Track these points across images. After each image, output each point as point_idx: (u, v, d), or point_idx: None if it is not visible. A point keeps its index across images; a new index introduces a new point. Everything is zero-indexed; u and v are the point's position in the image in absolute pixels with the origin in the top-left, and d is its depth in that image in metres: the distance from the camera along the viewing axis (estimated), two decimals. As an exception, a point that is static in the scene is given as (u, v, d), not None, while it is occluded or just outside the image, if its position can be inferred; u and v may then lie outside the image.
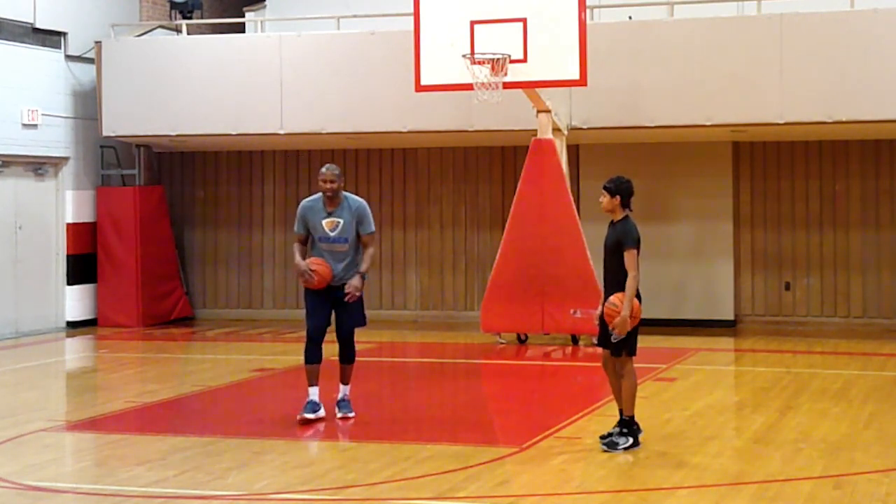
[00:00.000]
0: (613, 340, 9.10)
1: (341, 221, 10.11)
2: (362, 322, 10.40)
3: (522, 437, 9.67)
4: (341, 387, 10.46)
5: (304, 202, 10.35)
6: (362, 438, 9.77)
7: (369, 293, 19.19)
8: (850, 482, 8.13)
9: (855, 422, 10.29)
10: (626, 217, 9.18)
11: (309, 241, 10.25)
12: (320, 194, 10.18)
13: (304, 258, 10.20)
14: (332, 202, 10.12)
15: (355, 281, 10.10)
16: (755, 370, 14.12)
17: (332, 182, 10.07)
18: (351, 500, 7.93)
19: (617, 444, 9.09)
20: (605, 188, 9.20)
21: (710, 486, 8.06)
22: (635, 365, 9.32)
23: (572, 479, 8.42)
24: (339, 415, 10.34)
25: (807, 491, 7.87)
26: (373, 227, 10.29)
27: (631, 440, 9.13)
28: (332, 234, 10.10)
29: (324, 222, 10.11)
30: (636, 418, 9.25)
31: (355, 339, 10.39)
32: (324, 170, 10.14)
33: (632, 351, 9.19)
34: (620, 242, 9.06)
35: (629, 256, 9.01)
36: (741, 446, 9.42)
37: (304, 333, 10.31)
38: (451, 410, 11.66)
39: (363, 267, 10.21)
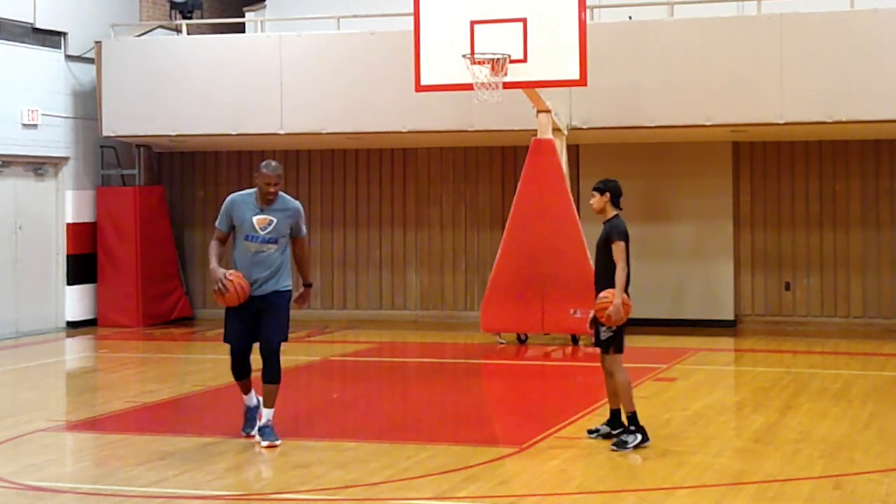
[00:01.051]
0: (603, 336, 9.22)
1: (275, 220, 9.28)
2: (286, 336, 9.51)
3: (522, 437, 9.66)
4: (264, 411, 9.44)
5: (234, 195, 9.46)
6: (362, 438, 9.77)
7: (369, 293, 19.27)
8: (850, 482, 8.13)
9: (855, 422, 10.29)
10: (617, 215, 9.34)
11: (229, 242, 9.41)
12: (254, 190, 9.38)
13: (220, 261, 9.32)
14: (268, 201, 9.31)
15: (306, 296, 9.66)
16: (755, 370, 14.12)
17: (276, 185, 9.25)
18: (351, 500, 7.93)
19: (626, 442, 9.13)
20: (595, 189, 9.42)
21: (710, 486, 8.06)
22: (626, 365, 9.40)
23: (572, 479, 8.42)
24: (263, 443, 9.31)
25: (807, 491, 7.87)
26: (306, 230, 9.63)
27: (640, 437, 9.18)
28: (262, 233, 9.24)
29: (255, 219, 9.25)
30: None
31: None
32: (267, 170, 9.25)
33: (619, 348, 9.29)
34: (609, 236, 9.21)
35: (617, 249, 9.17)
36: (741, 446, 9.42)
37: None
38: (451, 410, 11.66)
39: (310, 277, 9.73)
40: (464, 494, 7.87)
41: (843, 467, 8.59)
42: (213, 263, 9.25)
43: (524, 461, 8.95)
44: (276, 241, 9.32)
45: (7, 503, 7.84)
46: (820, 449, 9.16)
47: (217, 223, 9.45)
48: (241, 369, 9.60)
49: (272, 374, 9.44)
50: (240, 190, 9.72)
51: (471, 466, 8.59)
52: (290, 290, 9.52)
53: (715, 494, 7.85)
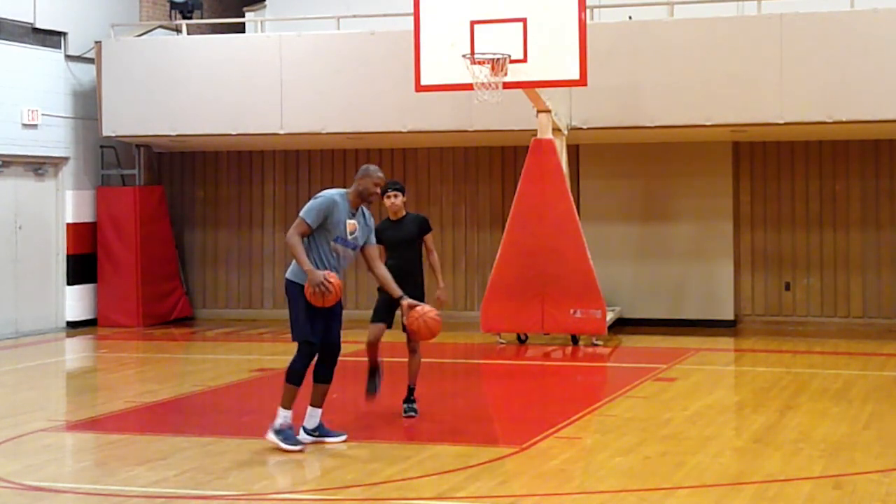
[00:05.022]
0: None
1: (359, 227, 9.34)
2: None
3: (522, 437, 9.66)
4: (318, 412, 9.61)
5: (332, 194, 9.23)
6: (362, 438, 9.76)
7: (369, 293, 19.22)
8: (850, 482, 8.13)
9: (855, 422, 10.29)
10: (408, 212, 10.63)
11: (308, 241, 9.14)
12: (344, 191, 9.32)
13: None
14: (357, 206, 9.34)
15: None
16: (755, 370, 14.12)
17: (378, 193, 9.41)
18: (351, 500, 7.93)
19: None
20: (398, 189, 10.55)
21: (710, 486, 8.06)
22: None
23: (572, 479, 8.42)
24: (337, 440, 9.53)
25: (807, 491, 7.87)
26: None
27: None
28: (349, 238, 9.25)
29: (348, 222, 9.24)
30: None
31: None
32: (378, 173, 9.35)
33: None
34: (423, 230, 10.65)
35: (430, 239, 10.71)
36: (741, 446, 9.41)
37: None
38: (451, 410, 11.66)
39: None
40: (464, 494, 7.86)
41: (843, 467, 8.59)
42: (310, 265, 8.99)
43: (524, 461, 8.95)
44: (356, 249, 9.39)
45: (7, 503, 7.84)
46: (820, 449, 9.16)
47: (308, 217, 9.06)
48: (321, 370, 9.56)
49: (332, 373, 9.70)
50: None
51: (471, 466, 8.59)
52: None
53: (715, 494, 7.85)
